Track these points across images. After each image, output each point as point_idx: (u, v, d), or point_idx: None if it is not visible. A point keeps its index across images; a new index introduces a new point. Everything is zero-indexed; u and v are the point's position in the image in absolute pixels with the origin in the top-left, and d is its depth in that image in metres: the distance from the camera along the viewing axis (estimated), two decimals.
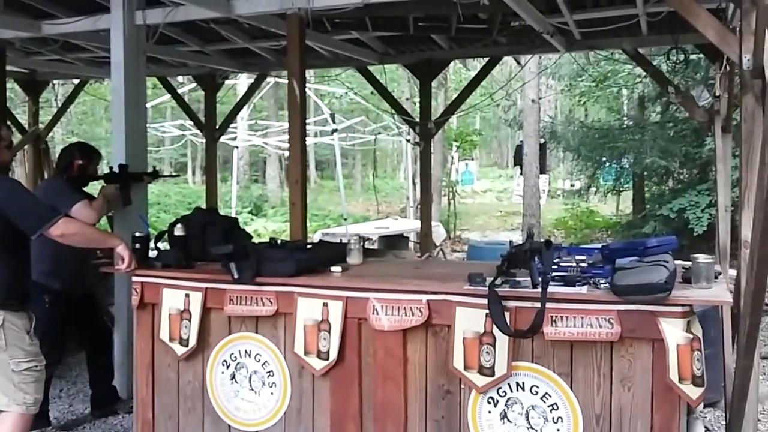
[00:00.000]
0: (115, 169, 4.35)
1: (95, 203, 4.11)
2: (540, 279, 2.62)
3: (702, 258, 2.66)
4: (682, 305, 2.51)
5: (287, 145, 4.83)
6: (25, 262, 3.26)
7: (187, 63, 7.54)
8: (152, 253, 3.58)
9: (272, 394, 3.19)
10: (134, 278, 3.43)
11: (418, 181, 11.62)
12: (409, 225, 11.90)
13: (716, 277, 2.74)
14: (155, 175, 4.70)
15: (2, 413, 3.16)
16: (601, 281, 2.69)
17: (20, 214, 3.04)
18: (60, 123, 11.73)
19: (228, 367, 3.27)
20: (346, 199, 14.86)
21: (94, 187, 4.35)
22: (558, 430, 2.70)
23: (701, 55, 7.91)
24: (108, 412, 4.44)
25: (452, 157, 19.92)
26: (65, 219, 3.11)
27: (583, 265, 2.80)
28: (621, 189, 14.16)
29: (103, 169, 4.56)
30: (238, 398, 3.26)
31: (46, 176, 8.49)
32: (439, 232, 11.50)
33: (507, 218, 19.72)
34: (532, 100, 13.55)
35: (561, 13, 5.10)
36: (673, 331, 2.48)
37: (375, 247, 9.67)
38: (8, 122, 6.82)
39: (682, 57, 5.93)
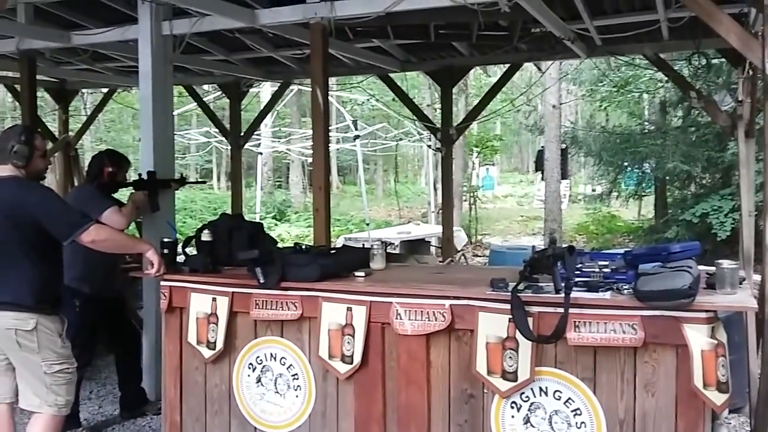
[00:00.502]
0: (144, 176, 4.43)
1: (124, 209, 4.20)
2: (563, 284, 2.64)
3: (726, 263, 2.66)
4: (707, 311, 2.51)
5: (310, 151, 4.89)
6: (57, 266, 3.32)
7: (212, 72, 7.65)
8: (180, 258, 3.65)
9: (297, 397, 3.24)
10: (162, 283, 3.50)
11: (439, 186, 11.64)
12: (431, 230, 11.92)
13: (741, 283, 2.74)
14: (182, 181, 4.78)
15: (34, 414, 3.23)
16: (624, 287, 2.70)
17: (52, 221, 3.12)
18: (89, 131, 11.94)
19: (254, 370, 3.33)
20: (368, 205, 14.92)
21: (122, 194, 4.45)
22: None
23: (723, 60, 7.86)
24: (136, 413, 4.52)
25: (473, 163, 19.91)
26: (96, 225, 3.19)
27: (606, 270, 2.81)
28: (643, 194, 14.06)
29: (131, 175, 4.65)
30: (263, 401, 3.31)
31: (75, 183, 8.64)
32: (460, 237, 11.52)
33: (528, 223, 19.66)
34: (553, 106, 13.51)
35: (582, 19, 5.11)
36: (698, 337, 2.48)
37: (397, 251, 9.70)
38: (39, 130, 6.97)
39: (704, 62, 5.91)
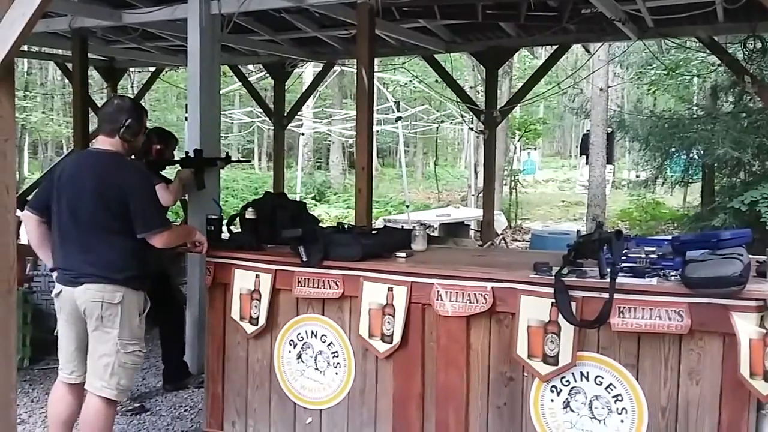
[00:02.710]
0: (191, 154, 4.50)
1: (172, 186, 4.27)
2: (608, 269, 2.60)
3: None
4: (757, 299, 2.45)
5: (351, 133, 4.92)
6: (144, 241, 3.20)
7: (257, 52, 7.70)
8: (224, 236, 3.71)
9: (337, 374, 3.27)
10: (207, 259, 3.56)
11: (480, 169, 11.55)
12: (470, 213, 11.89)
13: None
14: (228, 160, 4.84)
15: (90, 396, 3.19)
16: (671, 273, 2.65)
17: (136, 211, 3.11)
18: None
19: (295, 346, 3.37)
20: (408, 187, 14.91)
21: (169, 171, 4.53)
22: (622, 421, 2.69)
23: None
24: (179, 386, 4.62)
25: (515, 146, 19.70)
26: (169, 233, 3.20)
27: (652, 256, 2.77)
28: (690, 180, 13.72)
29: (176, 155, 4.72)
30: (303, 377, 3.35)
31: None
32: (500, 221, 11.46)
33: (569, 208, 19.41)
34: (601, 89, 13.25)
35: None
36: (746, 326, 2.43)
37: (436, 234, 9.70)
38: (89, 108, 7.14)
39: (759, 45, 5.73)
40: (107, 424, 3.23)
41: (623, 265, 2.70)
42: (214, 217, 3.64)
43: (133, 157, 3.52)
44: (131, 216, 3.11)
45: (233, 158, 5.20)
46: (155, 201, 3.26)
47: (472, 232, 10.96)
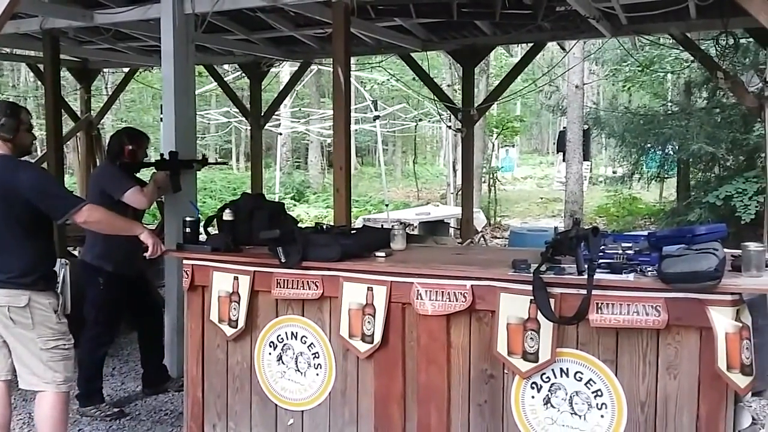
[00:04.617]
0: (166, 156, 4.45)
1: (146, 189, 4.22)
2: (586, 266, 2.62)
3: (753, 246, 2.62)
4: (732, 293, 2.48)
5: (329, 132, 4.90)
6: (49, 242, 3.33)
7: (233, 51, 7.65)
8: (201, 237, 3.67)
9: (317, 375, 3.26)
10: (185, 261, 3.52)
11: (458, 167, 11.58)
12: (450, 211, 11.92)
13: (767, 266, 2.70)
14: (204, 162, 4.79)
15: (38, 394, 3.25)
16: (648, 269, 2.67)
17: (46, 201, 3.14)
18: (110, 111, 12.01)
19: (275, 348, 3.35)
20: (387, 186, 14.92)
21: (144, 174, 4.48)
22: (602, 416, 2.71)
23: (751, 40, 7.71)
24: (158, 390, 4.59)
25: (493, 144, 19.79)
26: (89, 206, 3.24)
27: (629, 252, 2.79)
28: (665, 176, 13.88)
29: (152, 155, 4.67)
30: (284, 379, 3.33)
31: (98, 162, 8.72)
32: (479, 219, 11.50)
33: (548, 205, 19.55)
34: (576, 86, 13.35)
35: None
36: (722, 320, 2.46)
37: (416, 233, 9.71)
38: (62, 110, 7.03)
39: (731, 41, 5.80)
40: (59, 418, 3.25)
41: (600, 261, 2.72)
42: (191, 219, 3.60)
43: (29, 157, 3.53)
44: (42, 208, 3.14)
45: (210, 159, 5.16)
46: (57, 186, 3.34)
47: (451, 230, 11.00)
